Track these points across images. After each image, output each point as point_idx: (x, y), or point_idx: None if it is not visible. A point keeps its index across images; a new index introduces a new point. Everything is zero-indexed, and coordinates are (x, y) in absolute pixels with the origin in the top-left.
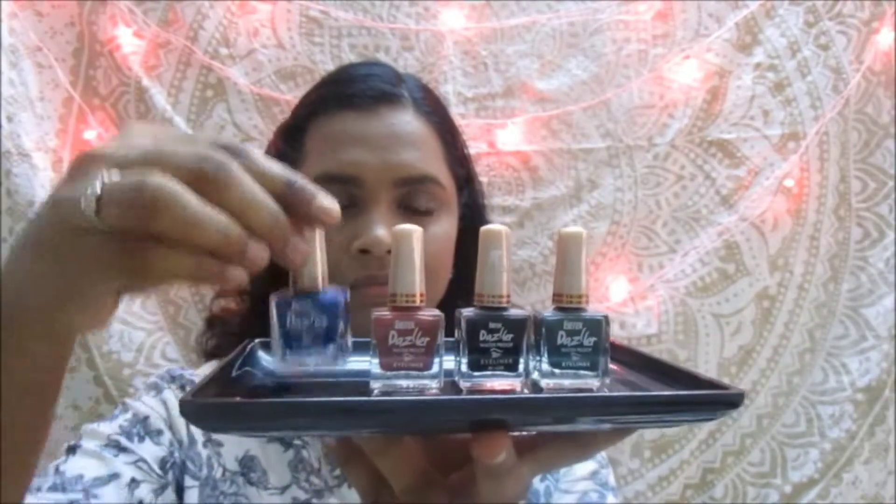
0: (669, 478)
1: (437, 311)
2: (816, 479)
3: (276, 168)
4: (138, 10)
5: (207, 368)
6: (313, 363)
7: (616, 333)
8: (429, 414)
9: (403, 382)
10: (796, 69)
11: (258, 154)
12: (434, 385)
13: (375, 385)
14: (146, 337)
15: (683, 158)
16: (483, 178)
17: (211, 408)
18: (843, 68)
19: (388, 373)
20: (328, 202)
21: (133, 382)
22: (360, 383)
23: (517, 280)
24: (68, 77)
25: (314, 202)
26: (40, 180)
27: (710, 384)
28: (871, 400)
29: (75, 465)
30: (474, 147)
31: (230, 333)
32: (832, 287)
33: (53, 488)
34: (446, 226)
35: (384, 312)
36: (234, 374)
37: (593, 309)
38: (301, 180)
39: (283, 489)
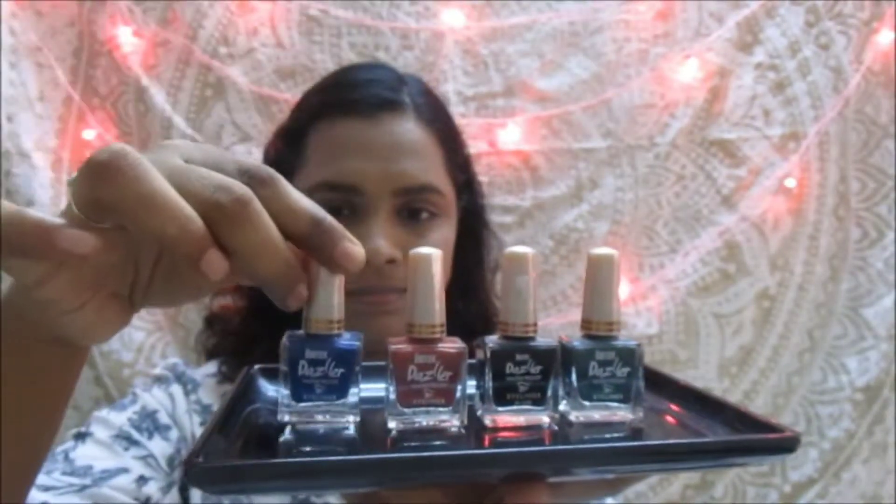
0: (670, 478)
1: (459, 343)
2: (815, 478)
3: (304, 203)
4: (138, 9)
5: (211, 367)
6: (322, 416)
7: None
8: (454, 468)
9: (423, 420)
10: (797, 69)
11: (286, 186)
12: (456, 422)
13: (392, 424)
14: (146, 337)
15: (684, 158)
16: (483, 178)
17: (223, 471)
18: (844, 68)
19: (407, 409)
20: (353, 248)
21: (133, 382)
22: (377, 424)
23: None
24: (68, 77)
25: (338, 247)
26: (39, 180)
27: (760, 424)
28: (869, 399)
29: (85, 454)
30: (474, 146)
31: (230, 332)
32: (831, 287)
33: (64, 473)
34: (445, 232)
35: (402, 345)
36: (239, 417)
37: (625, 335)
38: (329, 220)
39: None
